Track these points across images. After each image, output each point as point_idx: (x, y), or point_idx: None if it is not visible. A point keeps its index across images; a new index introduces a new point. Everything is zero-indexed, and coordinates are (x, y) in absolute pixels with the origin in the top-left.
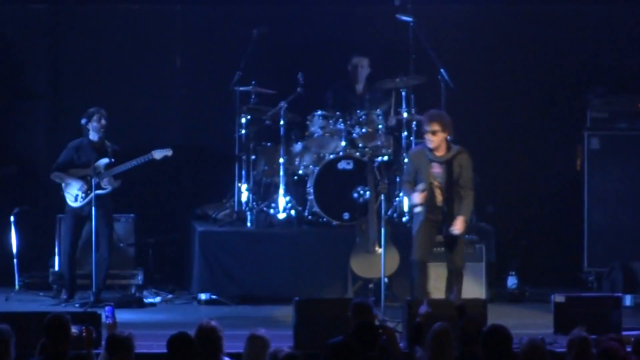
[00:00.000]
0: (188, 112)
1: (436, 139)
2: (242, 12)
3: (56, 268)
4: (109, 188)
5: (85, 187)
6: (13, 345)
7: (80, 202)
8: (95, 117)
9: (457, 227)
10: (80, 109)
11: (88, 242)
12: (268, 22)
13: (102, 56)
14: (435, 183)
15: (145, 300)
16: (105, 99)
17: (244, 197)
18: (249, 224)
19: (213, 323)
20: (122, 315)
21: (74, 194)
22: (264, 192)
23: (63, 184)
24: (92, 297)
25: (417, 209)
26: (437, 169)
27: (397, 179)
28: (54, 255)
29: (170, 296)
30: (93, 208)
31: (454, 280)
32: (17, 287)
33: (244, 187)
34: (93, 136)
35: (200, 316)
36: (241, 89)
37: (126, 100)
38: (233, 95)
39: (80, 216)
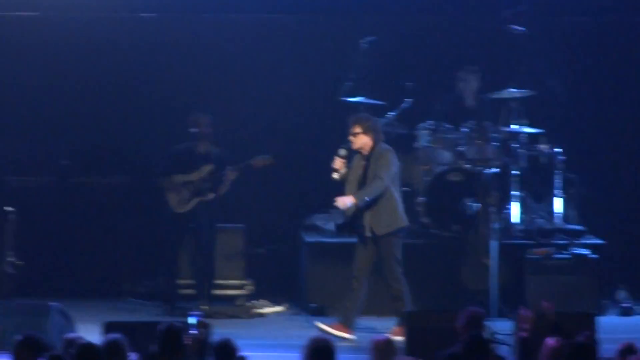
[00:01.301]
0: (297, 122)
1: (356, 140)
2: (351, 23)
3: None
4: (212, 195)
5: (191, 192)
6: (127, 355)
7: (184, 208)
8: (194, 123)
9: (340, 200)
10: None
11: (194, 250)
12: (377, 33)
13: (209, 65)
14: (356, 179)
15: (254, 311)
16: (214, 106)
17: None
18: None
19: (325, 336)
20: (231, 326)
21: (177, 199)
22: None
23: (167, 190)
24: (201, 306)
25: (334, 175)
26: (359, 169)
27: (507, 191)
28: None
29: (280, 306)
30: (199, 216)
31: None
32: (127, 296)
33: None
34: (195, 142)
35: (309, 327)
36: (350, 100)
37: (235, 108)
38: (342, 106)
39: (184, 223)
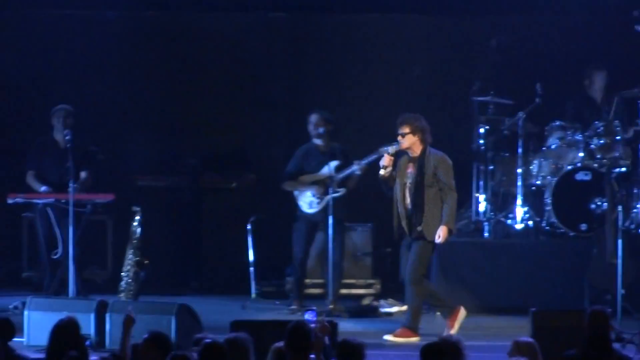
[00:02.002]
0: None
1: (405, 140)
2: (481, 22)
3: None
4: (341, 190)
5: (320, 191)
6: (252, 353)
7: (316, 207)
8: (312, 122)
9: (441, 235)
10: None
11: (322, 250)
12: (506, 32)
13: (338, 64)
14: (406, 182)
15: (381, 310)
16: (341, 106)
17: (482, 207)
18: (486, 235)
19: (456, 336)
20: (358, 325)
21: (308, 200)
22: (502, 203)
23: (296, 192)
24: (328, 305)
25: (381, 172)
26: (410, 169)
27: (635, 190)
28: (291, 263)
29: (406, 306)
30: (329, 216)
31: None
32: (253, 295)
33: (481, 197)
34: (318, 140)
35: (436, 327)
36: (479, 99)
37: (364, 108)
38: (471, 105)
39: (313, 222)
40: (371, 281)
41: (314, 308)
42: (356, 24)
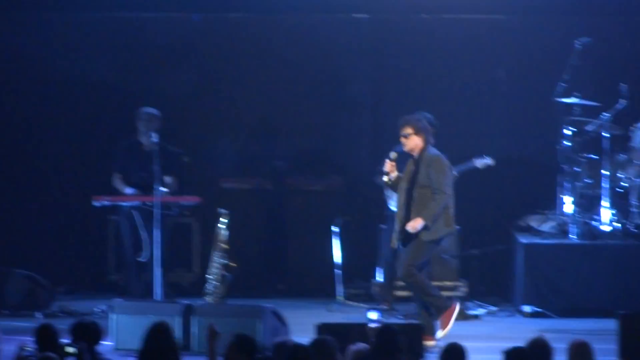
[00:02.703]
0: (510, 122)
1: (408, 142)
2: (565, 23)
3: (378, 279)
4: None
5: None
6: (338, 356)
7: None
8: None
9: (411, 224)
10: None
11: None
12: (591, 34)
13: (422, 66)
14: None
15: (468, 312)
16: (425, 108)
17: (568, 209)
18: (572, 236)
19: (544, 337)
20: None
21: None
22: (588, 204)
23: (388, 192)
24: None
25: (384, 178)
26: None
27: None
28: (377, 266)
29: (493, 308)
30: None
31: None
32: (339, 297)
33: (567, 199)
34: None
35: (523, 329)
36: (564, 100)
37: (449, 110)
38: (556, 107)
39: None
40: (458, 283)
41: (379, 308)
42: (439, 25)
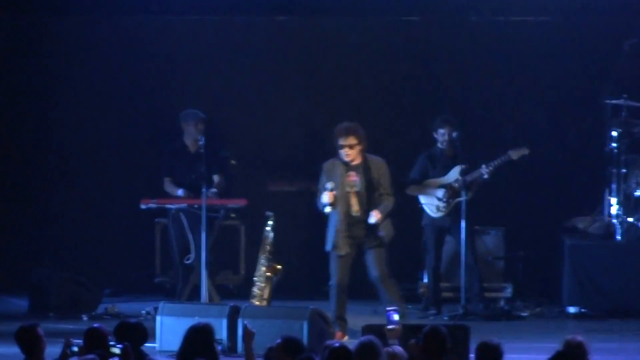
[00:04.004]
0: (557, 124)
1: (353, 152)
2: (613, 24)
3: (424, 280)
4: (468, 195)
5: (446, 196)
6: (382, 357)
7: (442, 211)
8: (439, 132)
9: (375, 215)
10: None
11: (453, 254)
12: (639, 34)
13: (471, 68)
14: (352, 191)
15: (514, 313)
16: (475, 109)
17: (614, 210)
18: (618, 238)
19: (579, 338)
20: (492, 328)
21: (434, 204)
22: (634, 206)
23: (422, 197)
24: (461, 309)
25: (327, 209)
26: (354, 177)
27: None
28: (423, 268)
29: (538, 309)
30: (461, 220)
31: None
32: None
33: (614, 200)
34: (443, 145)
35: (568, 330)
36: (612, 102)
37: (497, 111)
38: (603, 109)
39: (440, 227)
40: (503, 285)
41: (395, 308)
42: (486, 27)
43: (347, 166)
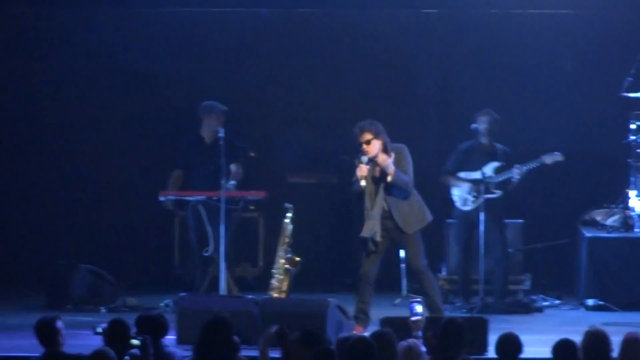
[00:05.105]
0: (577, 117)
1: (371, 147)
2: (633, 18)
3: (442, 272)
4: (498, 192)
5: (476, 190)
6: (397, 349)
7: (470, 206)
8: (481, 120)
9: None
10: (469, 114)
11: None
12: None
13: (490, 61)
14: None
15: (535, 305)
16: (492, 103)
17: (633, 203)
18: (637, 230)
19: (600, 328)
20: (510, 320)
21: (463, 197)
22: None
23: (453, 188)
24: (479, 302)
25: (362, 183)
26: (378, 174)
27: None
28: (445, 260)
29: (557, 302)
30: (482, 213)
31: (420, 284)
32: (404, 292)
33: (633, 193)
34: (483, 139)
35: (587, 322)
36: (631, 95)
37: (516, 104)
38: (623, 102)
39: (470, 220)
40: (522, 277)
41: (418, 299)
42: (508, 20)
43: (374, 162)
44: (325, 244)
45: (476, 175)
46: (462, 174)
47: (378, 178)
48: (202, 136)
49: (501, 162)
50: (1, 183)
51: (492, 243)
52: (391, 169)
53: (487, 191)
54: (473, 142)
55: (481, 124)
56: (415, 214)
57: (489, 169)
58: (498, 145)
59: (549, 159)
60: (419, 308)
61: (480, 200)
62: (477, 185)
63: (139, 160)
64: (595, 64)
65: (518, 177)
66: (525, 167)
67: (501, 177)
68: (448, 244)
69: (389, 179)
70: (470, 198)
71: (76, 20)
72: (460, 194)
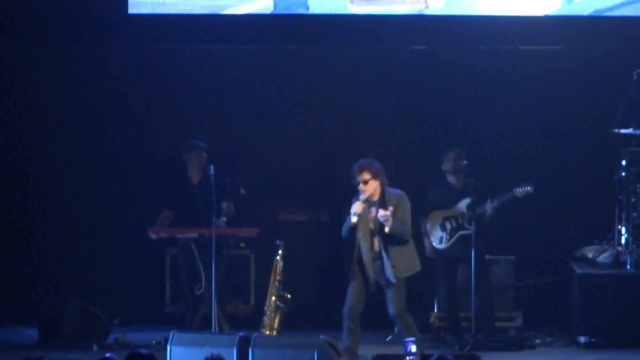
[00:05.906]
0: (567, 153)
1: (368, 187)
2: (622, 54)
3: (435, 310)
4: (471, 228)
5: (449, 228)
6: None
7: (445, 243)
8: (445, 158)
9: (382, 212)
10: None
11: (467, 284)
12: None
13: (479, 96)
14: (374, 227)
15: (524, 343)
16: (482, 139)
17: (623, 239)
18: (628, 267)
19: None
20: (502, 357)
21: (438, 236)
22: None
23: (428, 227)
24: (471, 339)
25: (354, 219)
26: (374, 214)
27: None
28: (437, 297)
29: (549, 339)
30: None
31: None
32: (396, 328)
33: (623, 229)
34: (450, 178)
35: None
36: (621, 131)
37: (507, 140)
38: (612, 138)
39: (451, 258)
40: (513, 314)
41: (411, 339)
42: (496, 56)
43: (370, 203)
44: (316, 280)
45: (449, 212)
46: (436, 212)
47: (376, 229)
48: (189, 176)
49: (474, 198)
50: None
51: (476, 279)
52: (389, 222)
53: (460, 227)
54: (443, 181)
55: (446, 163)
56: (407, 260)
57: (463, 205)
58: (469, 181)
59: (519, 193)
60: (413, 348)
61: (455, 237)
62: (452, 223)
63: (131, 197)
64: (585, 100)
65: (490, 212)
66: (496, 201)
67: (476, 212)
68: (437, 281)
69: (387, 230)
70: (445, 235)
71: (66, 56)
72: (435, 233)
